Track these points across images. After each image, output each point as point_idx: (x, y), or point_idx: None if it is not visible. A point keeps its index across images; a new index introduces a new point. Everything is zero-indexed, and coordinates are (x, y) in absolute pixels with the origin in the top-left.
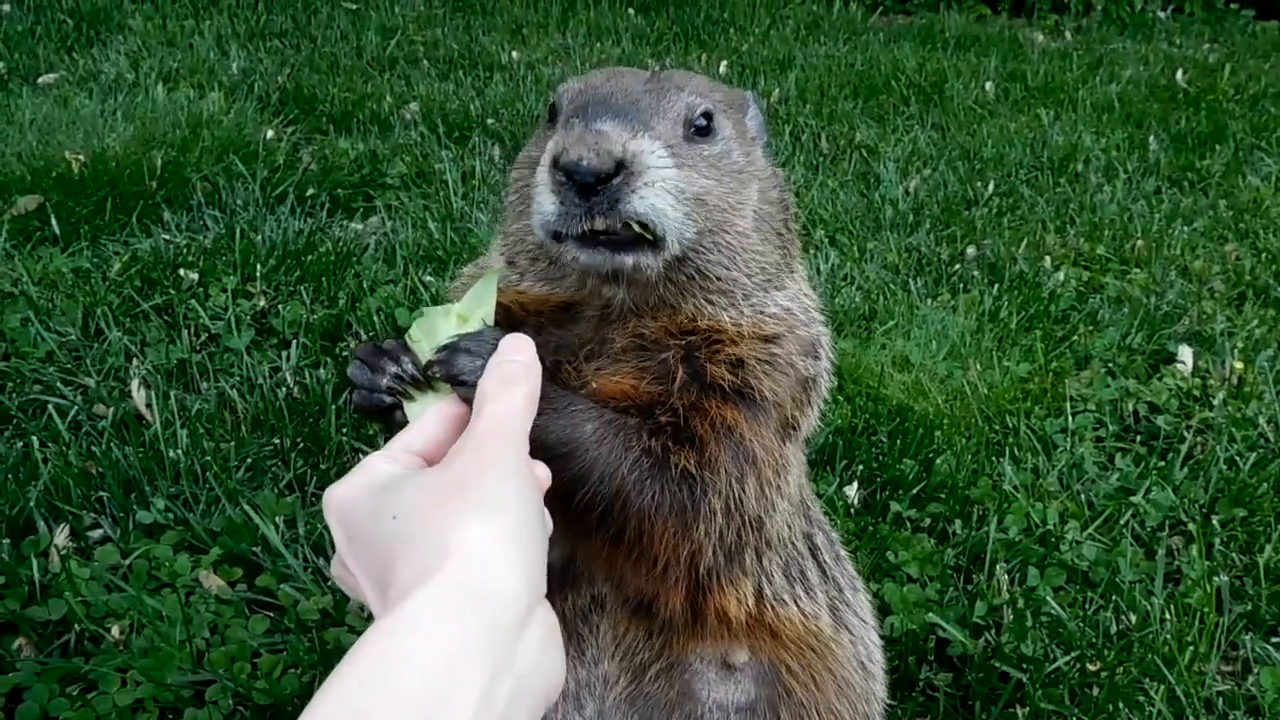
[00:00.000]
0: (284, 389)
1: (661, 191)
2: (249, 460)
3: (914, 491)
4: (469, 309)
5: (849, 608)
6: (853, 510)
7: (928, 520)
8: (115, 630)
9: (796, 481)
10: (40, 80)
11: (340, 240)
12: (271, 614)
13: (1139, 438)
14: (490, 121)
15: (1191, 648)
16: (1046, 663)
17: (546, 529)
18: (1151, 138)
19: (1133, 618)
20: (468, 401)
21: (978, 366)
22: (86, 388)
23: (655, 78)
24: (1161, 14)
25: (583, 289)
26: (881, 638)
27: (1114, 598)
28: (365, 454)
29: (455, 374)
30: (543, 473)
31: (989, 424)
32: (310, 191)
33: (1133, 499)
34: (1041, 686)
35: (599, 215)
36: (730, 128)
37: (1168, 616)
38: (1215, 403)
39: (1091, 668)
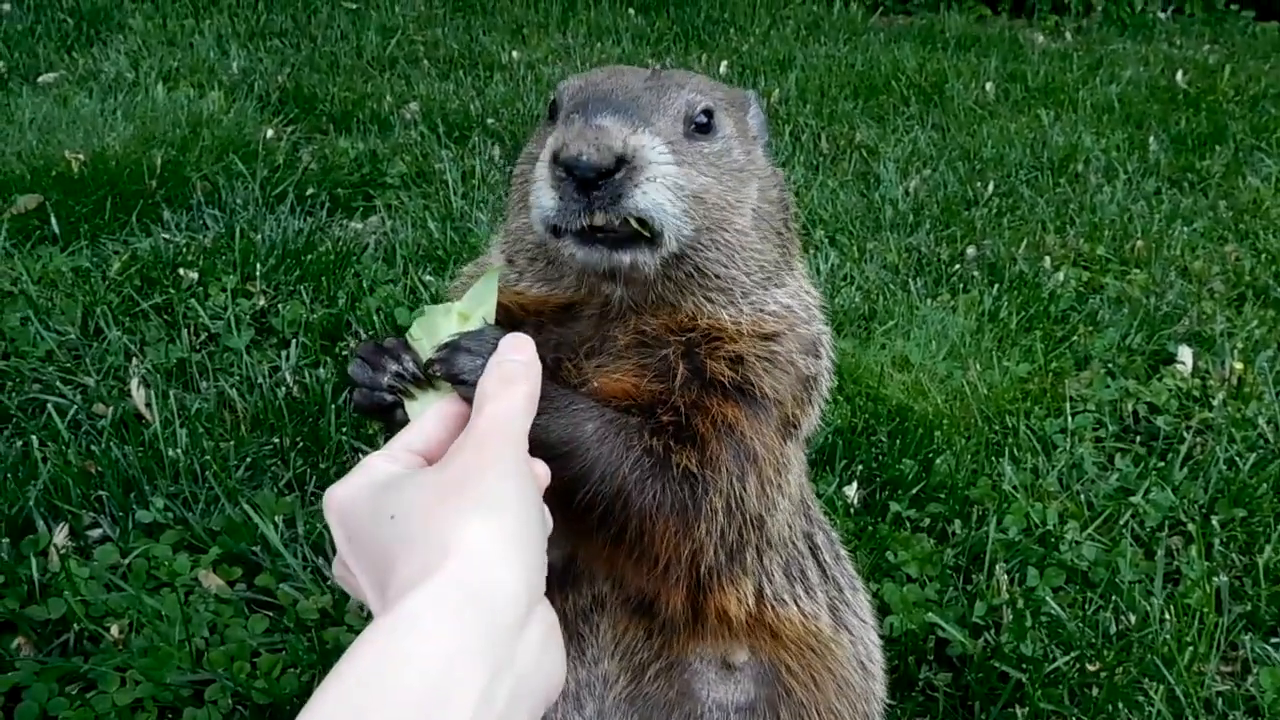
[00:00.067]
0: (283, 388)
1: (662, 187)
2: (248, 460)
3: (913, 491)
4: (470, 307)
5: (849, 607)
6: (852, 510)
7: (927, 520)
8: (114, 629)
9: (797, 480)
10: (40, 79)
11: (340, 240)
12: (271, 613)
13: (1139, 438)
14: (490, 121)
15: (1191, 648)
16: (1046, 663)
17: (546, 528)
18: (1151, 138)
19: (1132, 618)
20: (468, 400)
21: (977, 366)
22: (86, 387)
23: (656, 76)
24: (1161, 15)
25: (581, 290)
26: (881, 637)
27: (1113, 598)
28: (365, 453)
29: (455, 373)
30: (542, 471)
31: (989, 424)
32: (310, 191)
33: (1132, 499)
34: (1041, 686)
35: (599, 210)
36: (731, 126)
37: (1167, 617)
38: (1215, 403)
39: (1091, 668)
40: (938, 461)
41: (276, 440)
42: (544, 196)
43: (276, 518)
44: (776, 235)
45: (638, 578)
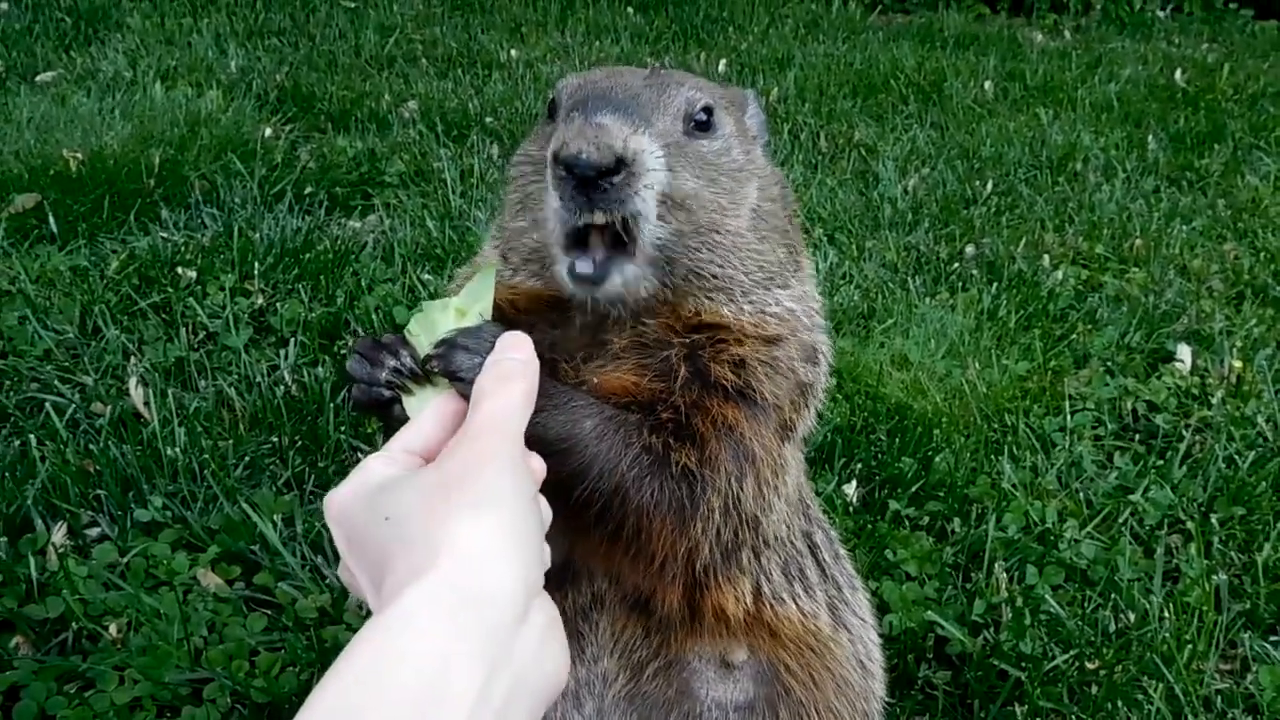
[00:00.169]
0: (282, 387)
1: (654, 195)
2: (247, 458)
3: (913, 490)
4: (466, 303)
5: (848, 606)
6: (851, 508)
7: (926, 518)
8: (113, 628)
9: (794, 482)
10: (38, 78)
11: (338, 238)
12: (269, 612)
13: (1138, 436)
14: (489, 120)
15: (1190, 646)
16: (1045, 661)
17: (545, 521)
18: (1150, 137)
19: (1131, 616)
20: (465, 397)
21: (976, 365)
22: (84, 386)
23: (655, 74)
24: (1160, 13)
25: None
26: (880, 636)
27: (1113, 596)
28: (364, 452)
29: (453, 370)
30: (538, 465)
31: (988, 422)
32: (308, 190)
33: (1131, 497)
34: (1040, 685)
35: (600, 210)
36: (731, 124)
37: (1166, 615)
38: (1214, 401)
39: (1090, 666)
40: (937, 460)
41: (275, 439)
42: (551, 199)
43: (275, 516)
44: (778, 235)
45: (634, 575)
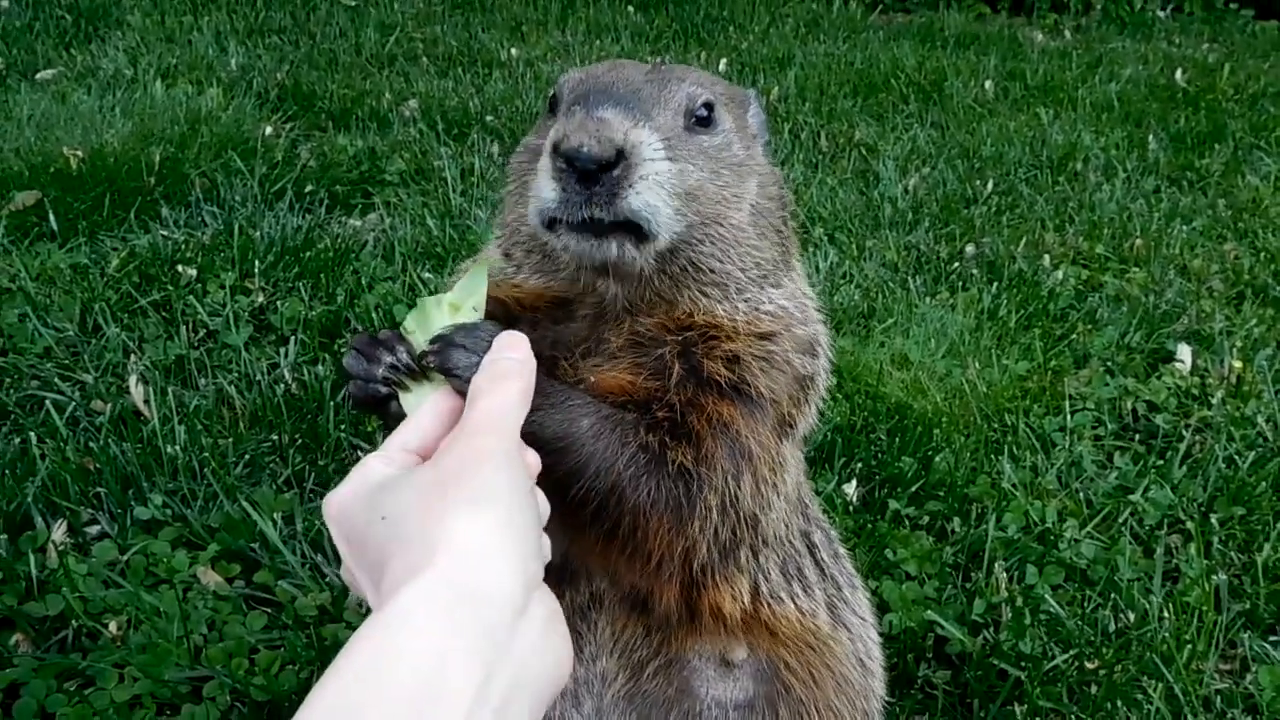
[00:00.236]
0: (282, 385)
1: (655, 186)
2: (247, 456)
3: (913, 489)
4: (460, 298)
5: (847, 605)
6: (851, 508)
7: (926, 518)
8: (113, 626)
9: (794, 480)
10: (39, 76)
11: (339, 237)
12: (269, 610)
13: (1138, 436)
14: (489, 118)
15: (1190, 646)
16: (1045, 660)
17: (542, 515)
18: (1151, 137)
19: (1131, 616)
20: (462, 394)
21: (976, 365)
22: (84, 384)
23: (657, 69)
24: (1161, 13)
25: (577, 282)
26: (880, 635)
27: (1112, 596)
28: (364, 451)
29: (449, 368)
30: (533, 459)
31: (988, 422)
32: (309, 188)
33: (1131, 497)
34: (1040, 684)
35: (596, 205)
36: (731, 121)
37: (1166, 615)
38: (1214, 401)
39: (1090, 666)
40: (937, 459)
41: (275, 437)
42: (544, 188)
43: (275, 515)
44: (775, 233)
45: (631, 574)
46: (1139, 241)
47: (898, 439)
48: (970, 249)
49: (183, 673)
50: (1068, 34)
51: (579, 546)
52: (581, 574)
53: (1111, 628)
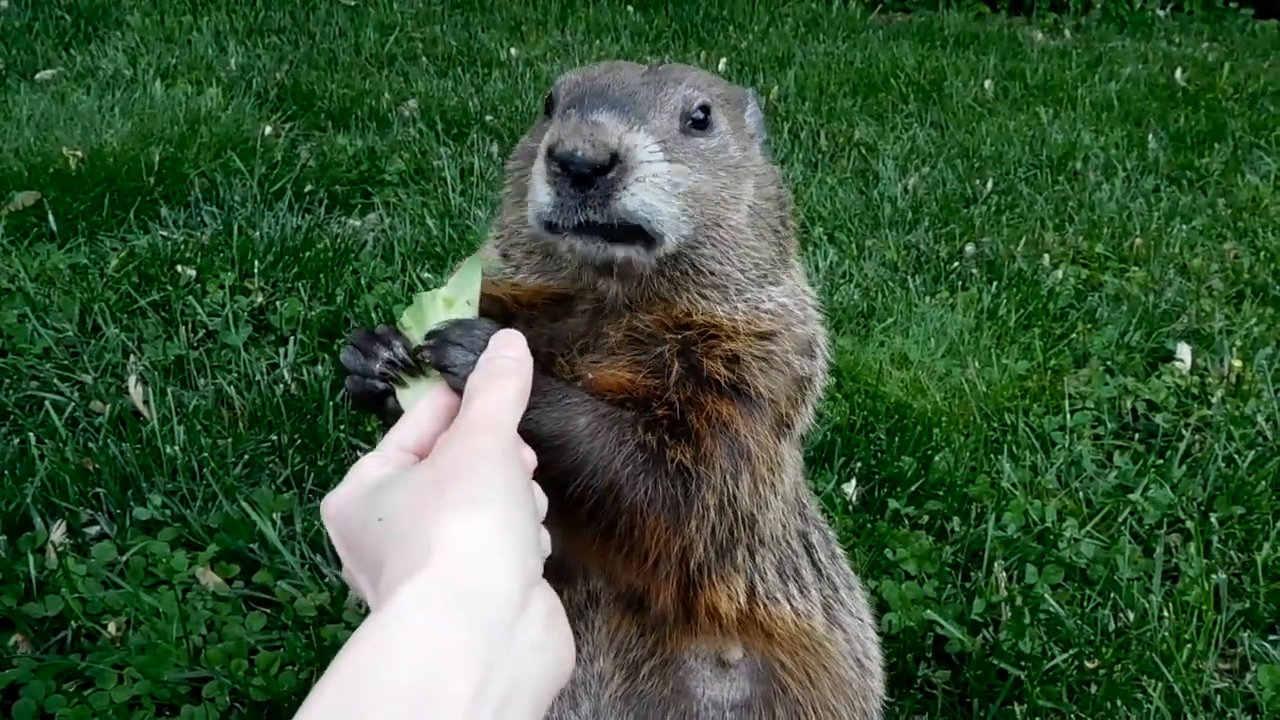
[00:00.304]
0: (281, 385)
1: (652, 187)
2: (246, 457)
3: (912, 489)
4: (455, 293)
5: (843, 606)
6: (851, 507)
7: (926, 517)
8: (112, 627)
9: (792, 480)
10: (38, 76)
11: (338, 237)
12: (268, 611)
13: (1137, 435)
14: (489, 118)
15: (1189, 645)
16: (1044, 660)
17: (540, 509)
18: (1150, 136)
19: (1131, 615)
20: (458, 391)
21: (976, 364)
22: (83, 384)
23: (653, 71)
24: (1160, 12)
25: (578, 281)
26: (879, 634)
27: (1112, 595)
28: (363, 450)
29: (446, 365)
30: (529, 456)
31: (987, 421)
32: (308, 188)
33: (1131, 496)
34: (1039, 684)
35: (591, 208)
36: (727, 123)
37: (1166, 614)
38: (1213, 401)
39: (1089, 665)
40: (936, 459)
41: (274, 438)
42: (540, 192)
43: (274, 515)
44: (773, 233)
45: (627, 573)
46: (1139, 241)
47: (897, 438)
48: (970, 248)
49: (182, 673)
50: (1067, 33)
51: (575, 544)
52: (578, 572)
53: (1111, 627)
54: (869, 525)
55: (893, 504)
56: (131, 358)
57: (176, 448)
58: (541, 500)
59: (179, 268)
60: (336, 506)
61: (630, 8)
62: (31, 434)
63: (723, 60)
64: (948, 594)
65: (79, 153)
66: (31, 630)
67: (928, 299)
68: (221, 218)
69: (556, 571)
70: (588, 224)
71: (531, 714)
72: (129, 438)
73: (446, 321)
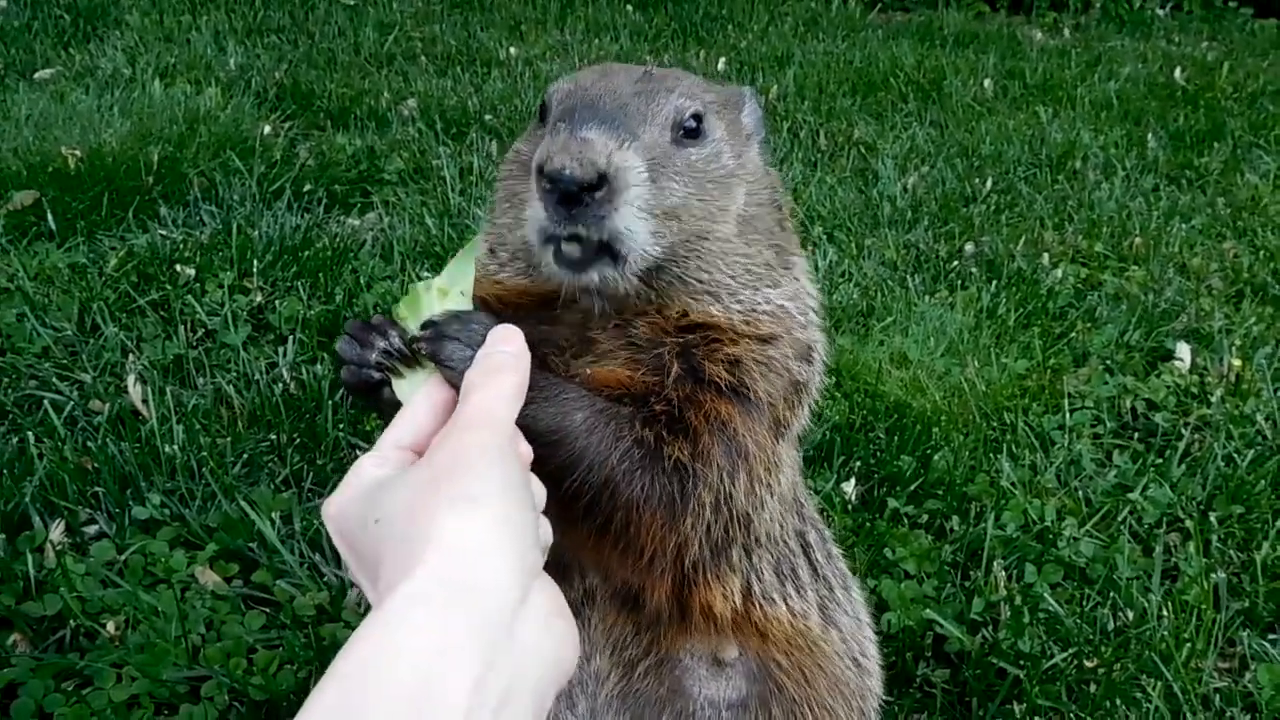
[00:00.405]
0: (280, 385)
1: (636, 211)
2: (245, 456)
3: (911, 488)
4: (448, 283)
5: (839, 606)
6: (850, 506)
7: (925, 516)
8: (111, 626)
9: (789, 480)
10: (37, 75)
11: (337, 236)
12: (267, 610)
13: (1137, 435)
14: (488, 117)
15: (1189, 644)
16: (1044, 659)
17: (539, 501)
18: (1150, 135)
19: (1130, 614)
20: (454, 386)
21: (975, 363)
22: (82, 383)
23: (647, 77)
24: (1160, 12)
25: (562, 286)
26: (878, 633)
27: (1111, 594)
28: (362, 450)
29: (442, 359)
30: (525, 449)
31: (987, 421)
32: (307, 187)
33: (1130, 496)
34: (1039, 683)
35: (581, 223)
36: (722, 129)
37: (1165, 613)
38: (1213, 400)
39: (1089, 664)
40: (936, 458)
41: (273, 437)
42: (535, 207)
43: (273, 514)
44: (767, 237)
45: (622, 569)
46: (1138, 240)
47: (896, 437)
48: (969, 247)
49: (181, 672)
50: (1067, 32)
51: (570, 540)
52: (575, 570)
53: (1110, 626)
54: (868, 524)
55: (892, 503)
56: (130, 357)
57: (175, 447)
58: (540, 490)
59: (178, 267)
60: (336, 508)
61: (629, 7)
62: (30, 433)
63: (722, 59)
64: (947, 593)
65: (78, 152)
66: (30, 629)
67: (927, 298)
68: (220, 217)
69: (553, 568)
70: (575, 237)
71: (533, 711)
72: (128, 437)
73: (443, 313)
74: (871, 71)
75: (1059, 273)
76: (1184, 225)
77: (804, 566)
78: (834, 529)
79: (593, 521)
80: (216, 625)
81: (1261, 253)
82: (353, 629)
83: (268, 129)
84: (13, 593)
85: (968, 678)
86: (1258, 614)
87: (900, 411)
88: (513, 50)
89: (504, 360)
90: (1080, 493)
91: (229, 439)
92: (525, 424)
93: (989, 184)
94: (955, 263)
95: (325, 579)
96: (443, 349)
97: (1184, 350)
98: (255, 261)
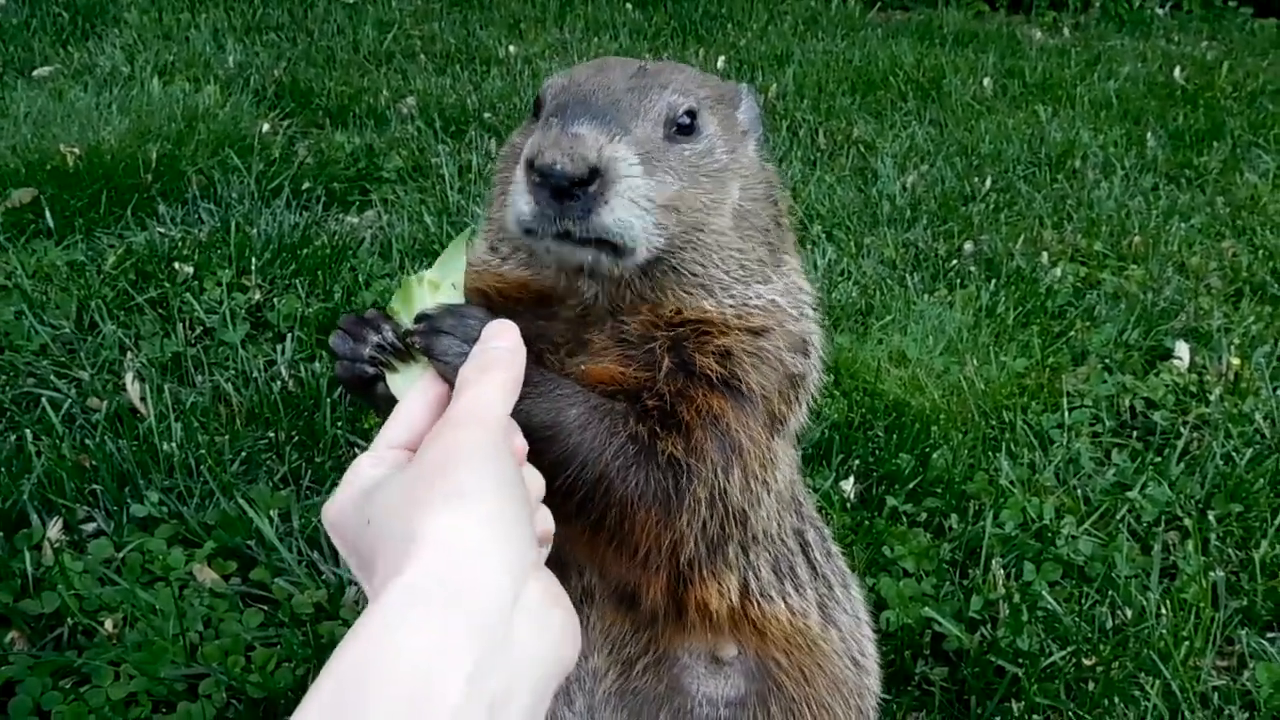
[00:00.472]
0: (279, 382)
1: (629, 203)
2: (243, 454)
3: (910, 486)
4: (440, 275)
5: (838, 604)
6: (849, 505)
7: (924, 515)
8: (108, 624)
9: (786, 477)
10: (35, 73)
11: (336, 234)
12: (265, 608)
13: (1135, 433)
14: (487, 116)
15: (1187, 643)
16: (1042, 657)
17: (535, 493)
18: (1149, 134)
19: (1128, 613)
20: (449, 380)
21: (974, 362)
22: (80, 381)
23: (641, 73)
24: (1159, 11)
25: (560, 281)
26: (876, 632)
27: (1110, 593)
28: (360, 447)
29: (436, 354)
30: (519, 443)
31: (985, 419)
32: (306, 185)
33: (1129, 494)
34: (1037, 681)
35: (570, 220)
36: (716, 125)
37: (1163, 611)
38: (1212, 398)
39: (1087, 662)
40: (934, 456)
41: (272, 434)
42: (520, 200)
43: (271, 512)
44: (762, 233)
45: (617, 566)
46: (1137, 239)
47: (895, 436)
48: (968, 246)
49: (179, 670)
50: (1066, 31)
51: (565, 536)
52: (572, 568)
53: (1109, 624)
54: (867, 522)
55: (891, 501)
56: (129, 354)
57: (173, 444)
58: (537, 483)
59: (176, 265)
60: (335, 511)
61: (629, 5)
62: (28, 431)
63: (721, 58)
64: (946, 591)
65: (76, 150)
66: (28, 627)
67: (926, 297)
68: (219, 215)
69: (553, 564)
70: (565, 234)
71: (533, 707)
72: (126, 434)
73: (438, 306)
74: (871, 70)
75: (1058, 271)
76: (1183, 224)
77: (803, 565)
78: (833, 527)
79: (587, 518)
80: (214, 623)
81: (1260, 252)
82: (350, 626)
83: (266, 127)
84: (10, 590)
85: (966, 676)
86: (1256, 612)
87: (899, 410)
88: (512, 48)
89: (498, 356)
90: (1079, 491)
91: (227, 437)
92: (519, 419)
93: (988, 183)
94: (954, 261)
95: (323, 577)
96: (437, 343)
97: (1183, 349)
98: (254, 259)
